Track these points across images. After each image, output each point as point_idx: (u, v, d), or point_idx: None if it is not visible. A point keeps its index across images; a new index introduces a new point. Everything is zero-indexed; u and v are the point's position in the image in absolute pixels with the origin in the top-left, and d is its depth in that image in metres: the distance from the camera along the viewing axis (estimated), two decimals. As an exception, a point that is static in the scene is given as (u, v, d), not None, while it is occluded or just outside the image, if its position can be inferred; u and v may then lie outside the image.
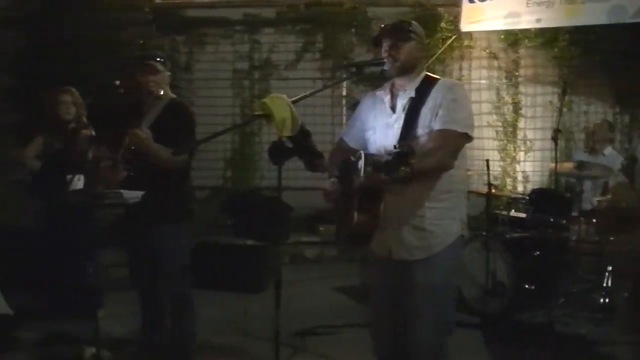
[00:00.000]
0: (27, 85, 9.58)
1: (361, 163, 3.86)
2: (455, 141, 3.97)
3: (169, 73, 5.59)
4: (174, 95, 5.63)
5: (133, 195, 4.99)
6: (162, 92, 5.33)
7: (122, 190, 5.03)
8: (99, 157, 5.76)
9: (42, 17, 9.75)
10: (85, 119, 6.89)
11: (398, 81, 4.19)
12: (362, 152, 3.98)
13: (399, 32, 4.16)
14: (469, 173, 7.41)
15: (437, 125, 3.97)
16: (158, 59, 5.48)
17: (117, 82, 5.55)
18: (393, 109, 4.17)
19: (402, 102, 4.13)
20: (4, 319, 6.71)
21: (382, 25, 4.26)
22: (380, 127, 4.21)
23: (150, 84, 5.36)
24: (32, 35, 9.81)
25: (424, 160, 3.69)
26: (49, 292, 7.19)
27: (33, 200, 7.49)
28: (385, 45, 4.15)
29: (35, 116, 7.67)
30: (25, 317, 6.99)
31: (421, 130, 4.00)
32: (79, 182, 5.96)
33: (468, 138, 4.03)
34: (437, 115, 3.98)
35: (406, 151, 3.38)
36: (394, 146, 3.49)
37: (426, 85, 4.12)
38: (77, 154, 6.49)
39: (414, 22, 4.27)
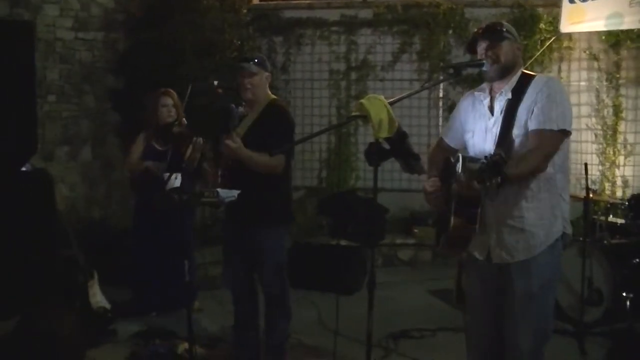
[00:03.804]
0: (130, 86, 9.78)
1: (459, 166, 3.83)
2: (551, 140, 3.92)
3: (268, 73, 5.63)
4: (274, 96, 5.67)
5: (229, 194, 5.04)
6: (242, 109, 5.39)
7: (218, 189, 5.10)
8: (199, 158, 5.85)
9: (144, 19, 9.94)
10: (185, 120, 6.99)
11: (496, 83, 4.16)
12: (460, 154, 3.94)
13: (493, 33, 4.16)
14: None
15: (532, 125, 3.94)
16: (255, 61, 5.53)
17: (216, 83, 5.61)
18: (492, 111, 4.15)
19: (499, 104, 4.11)
20: (103, 312, 6.88)
21: (476, 29, 4.28)
22: (478, 130, 4.20)
23: (246, 86, 5.42)
24: (134, 37, 10.01)
25: (517, 166, 3.68)
26: (146, 288, 7.34)
27: (135, 198, 7.66)
28: (482, 47, 4.15)
29: (138, 117, 7.83)
30: (123, 311, 7.15)
31: (517, 130, 3.99)
32: (176, 180, 6.05)
33: (565, 134, 3.97)
34: (532, 113, 3.95)
35: (497, 160, 3.36)
36: (485, 157, 3.48)
37: (522, 84, 4.09)
38: (181, 155, 6.59)
39: (505, 22, 4.29)
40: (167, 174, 5.93)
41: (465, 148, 4.30)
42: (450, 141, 4.48)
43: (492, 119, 4.12)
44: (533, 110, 3.95)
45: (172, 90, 7.10)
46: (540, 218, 4.02)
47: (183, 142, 6.65)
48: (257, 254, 5.51)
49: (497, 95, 4.14)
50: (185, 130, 6.82)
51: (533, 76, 4.14)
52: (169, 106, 6.99)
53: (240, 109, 5.40)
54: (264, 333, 5.74)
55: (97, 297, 6.94)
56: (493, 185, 3.39)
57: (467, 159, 3.86)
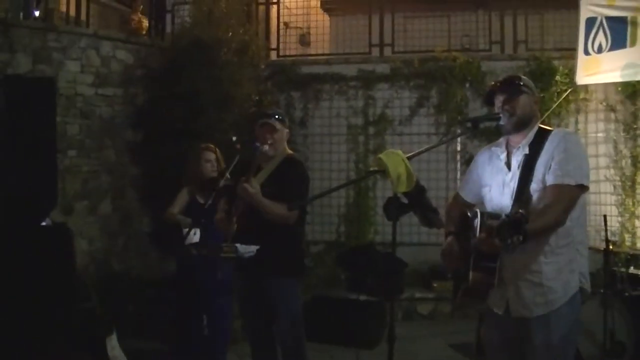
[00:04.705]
0: (149, 140, 9.86)
1: (477, 222, 3.84)
2: (569, 195, 3.92)
3: (287, 130, 5.70)
4: (290, 152, 5.72)
5: (248, 249, 5.06)
6: (266, 147, 5.44)
7: (237, 245, 5.11)
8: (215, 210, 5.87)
9: (163, 73, 10.04)
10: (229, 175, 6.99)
11: (513, 137, 4.18)
12: (477, 210, 3.96)
13: (511, 86, 4.19)
14: (587, 229, 7.25)
15: (550, 180, 3.94)
16: (277, 117, 5.59)
17: (234, 138, 5.66)
18: (508, 166, 4.17)
19: (517, 159, 4.12)
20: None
21: (493, 83, 4.31)
22: (496, 185, 4.21)
23: (268, 142, 5.46)
24: (153, 92, 10.10)
25: (537, 222, 3.67)
26: (166, 341, 7.33)
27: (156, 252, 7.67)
28: (499, 100, 4.16)
29: (157, 170, 7.84)
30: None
31: (535, 185, 3.99)
32: (195, 235, 6.07)
33: (583, 188, 3.97)
34: (550, 168, 3.95)
35: (519, 218, 3.38)
36: (506, 215, 3.51)
37: (540, 139, 4.10)
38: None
39: (523, 76, 4.33)
40: (187, 229, 5.95)
41: (482, 202, 4.30)
42: (467, 195, 4.49)
43: (510, 174, 4.13)
44: (550, 165, 3.95)
45: (213, 145, 7.12)
46: (558, 273, 4.00)
47: (229, 195, 6.67)
48: (270, 306, 5.50)
49: (514, 149, 4.16)
50: (231, 184, 6.83)
51: (550, 131, 4.15)
52: (212, 161, 7.00)
53: (266, 147, 5.43)
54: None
55: (116, 352, 6.92)
56: (515, 243, 3.41)
57: (486, 215, 3.88)
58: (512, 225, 3.40)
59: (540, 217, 3.78)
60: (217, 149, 7.06)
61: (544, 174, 3.97)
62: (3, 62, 8.75)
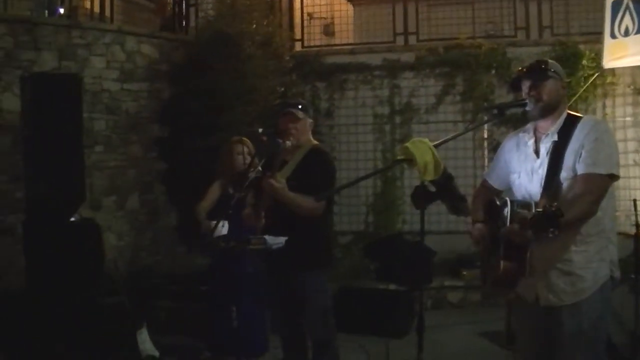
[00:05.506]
0: (175, 135, 9.88)
1: (507, 210, 3.82)
2: (600, 185, 3.89)
3: (311, 120, 5.68)
4: (315, 142, 5.70)
5: (277, 241, 5.05)
6: (289, 143, 5.41)
7: (265, 236, 5.10)
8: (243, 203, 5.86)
9: (187, 68, 10.06)
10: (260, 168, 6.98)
11: (541, 123, 4.15)
12: (507, 198, 3.93)
13: (537, 71, 4.14)
14: (616, 214, 7.19)
15: (580, 169, 3.90)
16: (299, 106, 5.57)
17: (260, 130, 5.65)
18: (537, 153, 4.13)
19: (545, 146, 4.08)
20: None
21: (520, 68, 4.26)
22: (524, 172, 4.18)
23: (291, 131, 5.45)
24: (178, 86, 10.12)
25: (569, 212, 3.60)
26: (195, 336, 7.34)
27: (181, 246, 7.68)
28: (525, 86, 4.13)
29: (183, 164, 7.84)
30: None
31: (565, 173, 3.95)
32: (223, 228, 6.06)
33: (614, 177, 3.95)
34: (580, 157, 3.91)
35: (555, 212, 3.34)
36: (535, 203, 3.47)
37: (569, 126, 4.06)
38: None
39: (551, 60, 4.27)
40: (214, 222, 5.94)
41: (510, 189, 4.28)
42: (494, 182, 4.48)
43: (538, 161, 4.10)
44: (581, 153, 3.92)
45: (245, 139, 7.12)
46: (588, 261, 3.98)
47: (256, 189, 6.66)
48: (299, 299, 5.49)
49: (543, 136, 4.12)
50: (262, 176, 6.82)
51: (579, 118, 4.11)
52: (244, 154, 7.01)
53: (287, 143, 5.41)
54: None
55: (146, 345, 6.96)
56: (549, 235, 3.38)
57: (516, 204, 3.85)
58: (547, 218, 3.36)
59: (572, 207, 3.74)
60: (249, 142, 7.06)
61: (574, 163, 3.93)
62: (29, 60, 8.77)
